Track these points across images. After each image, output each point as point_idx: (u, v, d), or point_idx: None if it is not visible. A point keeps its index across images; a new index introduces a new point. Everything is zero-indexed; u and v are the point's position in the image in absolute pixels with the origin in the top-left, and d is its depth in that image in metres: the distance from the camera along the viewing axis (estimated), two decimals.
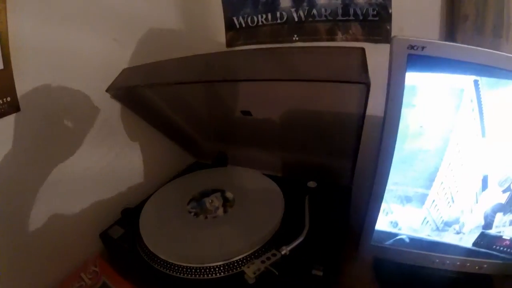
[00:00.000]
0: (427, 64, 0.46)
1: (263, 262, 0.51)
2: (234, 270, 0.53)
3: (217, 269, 0.53)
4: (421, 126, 0.50)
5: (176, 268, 0.55)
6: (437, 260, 0.59)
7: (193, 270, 0.54)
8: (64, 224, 0.65)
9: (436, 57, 0.45)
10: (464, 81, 0.46)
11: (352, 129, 0.52)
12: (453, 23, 0.68)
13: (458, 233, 0.57)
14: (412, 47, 0.45)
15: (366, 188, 0.69)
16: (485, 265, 0.57)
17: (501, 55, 0.44)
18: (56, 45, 0.60)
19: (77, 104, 0.65)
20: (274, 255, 0.52)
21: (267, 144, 0.74)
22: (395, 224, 0.57)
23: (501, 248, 0.56)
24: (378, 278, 0.64)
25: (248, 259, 0.54)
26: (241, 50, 0.76)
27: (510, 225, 0.54)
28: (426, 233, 0.57)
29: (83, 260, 0.65)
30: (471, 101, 0.47)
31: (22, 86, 0.56)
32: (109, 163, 0.72)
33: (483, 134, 0.49)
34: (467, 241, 0.57)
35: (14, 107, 0.57)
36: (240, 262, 0.54)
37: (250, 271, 0.49)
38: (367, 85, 0.41)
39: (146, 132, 0.79)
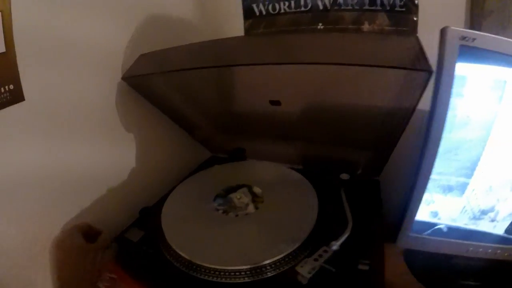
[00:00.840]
0: (476, 56, 0.50)
1: (316, 260, 0.52)
2: (281, 268, 0.54)
3: (264, 269, 0.54)
4: (467, 116, 0.54)
5: (213, 272, 0.54)
6: (471, 248, 0.63)
7: (238, 273, 0.53)
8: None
9: (484, 49, 0.50)
10: (507, 73, 0.51)
11: (397, 120, 0.55)
12: (478, 18, 0.74)
13: (492, 220, 0.62)
14: (463, 38, 0.49)
15: (393, 182, 0.73)
16: None
17: None
18: (63, 28, 0.59)
19: (87, 95, 0.64)
20: (325, 251, 0.53)
21: (288, 136, 0.75)
22: (435, 214, 0.61)
23: None
24: (411, 269, 0.68)
25: (290, 257, 0.55)
26: (273, 35, 0.76)
27: None
28: (463, 222, 0.62)
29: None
30: None
31: (27, 73, 0.54)
32: (120, 159, 0.70)
33: None
34: (500, 228, 0.62)
35: (18, 96, 0.54)
36: (282, 262, 0.54)
37: (305, 271, 0.50)
38: (430, 73, 0.44)
39: (160, 126, 0.78)
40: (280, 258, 0.54)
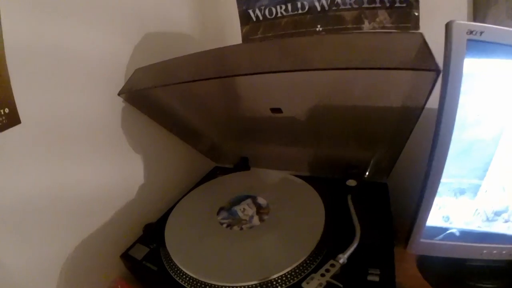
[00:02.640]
0: (485, 50, 0.44)
1: (323, 275, 0.47)
2: (287, 283, 0.49)
3: (270, 284, 0.49)
4: (478, 114, 0.48)
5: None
6: (485, 251, 0.58)
7: None
8: (79, 247, 0.59)
9: (493, 42, 0.45)
10: None
11: (405, 120, 0.50)
12: (482, 8, 0.68)
13: (506, 221, 0.56)
14: (471, 32, 0.43)
15: (402, 184, 0.68)
16: None
17: None
18: (58, 45, 0.54)
19: (85, 113, 0.59)
20: (332, 265, 0.48)
21: (293, 142, 0.70)
22: (447, 218, 0.56)
23: None
24: (423, 274, 0.63)
25: (297, 271, 0.51)
26: (273, 39, 0.71)
27: None
28: (476, 225, 0.56)
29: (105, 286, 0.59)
30: None
31: (21, 94, 0.50)
32: (123, 175, 0.66)
33: None
34: None
35: (14, 119, 0.50)
36: (289, 276, 0.50)
37: (312, 287, 0.45)
38: (438, 73, 0.39)
39: (161, 139, 0.74)
40: (286, 272, 0.49)
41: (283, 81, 0.53)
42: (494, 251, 0.58)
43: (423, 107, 0.45)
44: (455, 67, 0.45)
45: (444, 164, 0.50)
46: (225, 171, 0.78)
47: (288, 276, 0.50)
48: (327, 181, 0.68)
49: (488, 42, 0.44)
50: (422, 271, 0.64)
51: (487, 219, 0.56)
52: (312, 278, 0.47)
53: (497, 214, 0.56)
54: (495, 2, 0.66)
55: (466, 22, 0.44)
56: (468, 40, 0.44)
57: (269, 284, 0.49)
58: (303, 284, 0.46)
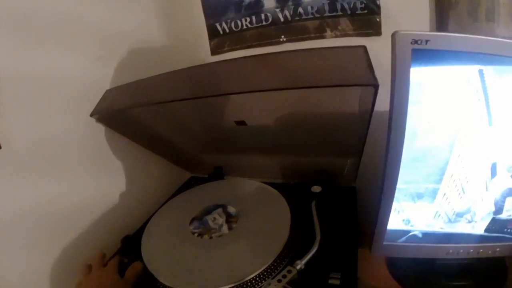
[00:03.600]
0: (431, 58, 0.42)
1: (279, 281, 0.46)
2: None
3: None
4: (428, 122, 0.46)
5: None
6: (451, 251, 0.56)
7: None
8: (60, 261, 0.59)
9: (440, 50, 0.42)
10: (469, 71, 0.43)
11: (357, 129, 0.48)
12: (444, 10, 0.65)
13: (470, 222, 0.54)
14: (415, 42, 0.41)
15: (371, 187, 0.65)
16: (498, 249, 0.55)
17: (505, 42, 0.41)
18: (34, 70, 0.54)
19: (61, 133, 0.58)
20: (289, 271, 0.47)
21: (264, 151, 0.69)
22: (407, 222, 0.54)
23: None
24: (393, 274, 0.61)
25: (261, 276, 0.49)
26: (235, 59, 0.69)
27: None
28: (439, 226, 0.54)
29: None
30: (477, 91, 0.44)
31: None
32: (101, 190, 0.66)
33: (490, 123, 0.46)
34: (479, 228, 0.54)
35: None
36: (253, 282, 0.49)
37: None
38: (375, 87, 0.37)
39: (137, 152, 0.73)
40: (247, 280, 0.48)
41: (240, 99, 0.52)
42: (461, 250, 0.57)
43: (369, 118, 0.43)
44: (401, 77, 0.43)
45: (398, 171, 0.48)
46: (201, 181, 0.76)
47: (249, 284, 0.48)
48: (298, 187, 0.67)
49: (435, 50, 0.42)
50: (392, 272, 0.62)
51: (449, 221, 0.54)
52: (268, 284, 0.46)
53: (459, 215, 0.54)
54: (456, 4, 0.63)
55: (411, 32, 0.41)
56: (413, 49, 0.41)
57: None
58: None
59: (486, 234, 0.55)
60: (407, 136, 0.46)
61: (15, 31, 0.50)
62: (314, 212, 0.57)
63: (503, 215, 0.53)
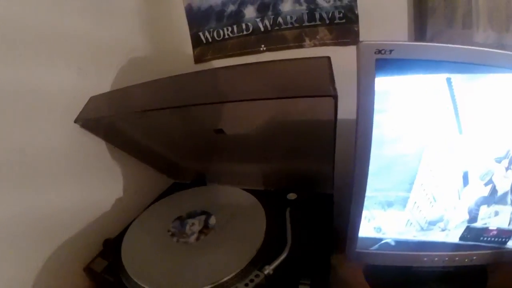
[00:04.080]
0: (397, 67, 0.41)
1: (246, 285, 0.45)
2: None
3: None
4: (396, 131, 0.45)
5: None
6: (426, 259, 0.55)
7: None
8: (46, 264, 0.58)
9: (406, 59, 0.41)
10: (436, 80, 0.41)
11: (326, 138, 0.47)
12: (422, 17, 0.64)
13: (443, 230, 0.53)
14: (379, 52, 0.40)
15: (348, 193, 0.64)
16: (475, 257, 0.54)
17: (472, 50, 0.40)
18: (18, 83, 0.54)
19: (45, 141, 0.58)
20: (257, 276, 0.46)
21: (245, 159, 0.68)
22: (379, 229, 0.52)
23: (489, 239, 0.53)
24: (369, 281, 0.60)
25: (232, 281, 0.49)
26: (206, 70, 0.69)
27: (496, 215, 0.52)
28: (411, 235, 0.53)
29: None
30: (445, 99, 0.43)
31: None
32: (85, 196, 0.65)
33: (460, 131, 0.45)
34: (453, 236, 0.53)
35: None
36: (224, 286, 0.48)
37: None
38: (334, 98, 0.36)
39: (120, 158, 0.72)
40: (218, 284, 0.47)
41: (216, 107, 0.51)
42: (436, 259, 0.55)
43: (334, 127, 0.42)
44: (366, 87, 0.42)
45: (366, 179, 0.47)
46: (183, 187, 0.76)
47: (224, 285, 0.48)
48: (278, 194, 0.66)
49: (399, 59, 0.41)
50: (368, 279, 0.61)
51: (422, 229, 0.53)
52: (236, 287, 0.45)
53: (432, 223, 0.52)
54: (433, 12, 0.62)
55: (374, 42, 0.41)
56: (377, 59, 0.41)
57: None
58: None
59: (461, 242, 0.54)
60: (374, 144, 0.45)
61: None
62: (287, 219, 0.56)
63: (478, 224, 0.52)
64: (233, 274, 0.49)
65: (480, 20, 0.61)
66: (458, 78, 0.41)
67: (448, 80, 0.42)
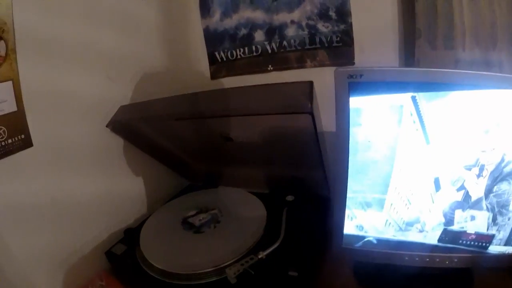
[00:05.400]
0: (367, 88, 0.52)
1: (242, 265, 0.59)
2: (223, 274, 0.60)
3: (208, 274, 0.61)
4: (369, 141, 0.56)
5: (172, 275, 0.63)
6: (407, 258, 0.62)
7: (186, 277, 0.62)
8: (73, 245, 0.73)
9: (374, 81, 0.52)
10: (402, 98, 0.52)
11: (312, 148, 0.60)
12: (411, 41, 0.73)
13: (421, 231, 0.61)
14: (351, 76, 0.52)
15: None
16: (456, 259, 0.61)
17: (431, 71, 0.51)
18: (58, 87, 0.69)
19: (79, 139, 0.73)
20: (251, 258, 0.59)
21: (251, 164, 0.81)
22: (361, 228, 0.63)
23: (468, 242, 0.60)
24: (357, 278, 0.70)
25: (231, 263, 0.62)
26: (216, 90, 0.86)
27: (472, 220, 0.58)
28: (391, 234, 0.62)
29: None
30: (411, 114, 0.53)
31: (33, 124, 0.64)
32: (111, 190, 0.80)
33: (427, 142, 0.54)
34: (431, 238, 0.61)
35: (27, 142, 0.64)
36: (224, 267, 0.61)
37: (231, 272, 0.57)
38: (311, 114, 0.49)
39: (143, 160, 0.87)
40: (221, 266, 0.61)
41: (226, 119, 0.67)
42: (416, 258, 0.63)
43: (316, 139, 0.55)
44: (341, 105, 0.53)
45: (345, 181, 0.58)
46: (196, 189, 0.91)
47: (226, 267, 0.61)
48: (278, 196, 0.80)
49: (369, 82, 0.53)
50: (357, 276, 0.71)
51: (400, 229, 0.62)
52: (234, 266, 0.58)
53: (409, 224, 0.61)
54: (419, 36, 0.72)
55: (347, 69, 0.53)
56: (350, 82, 0.52)
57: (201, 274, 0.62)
58: (226, 269, 0.58)
59: (440, 244, 0.61)
60: (351, 152, 0.57)
61: (40, 54, 0.65)
62: (284, 217, 0.70)
63: (455, 227, 0.59)
64: (233, 260, 0.62)
65: (466, 38, 0.67)
66: (422, 96, 0.51)
67: (413, 98, 0.51)
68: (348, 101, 0.53)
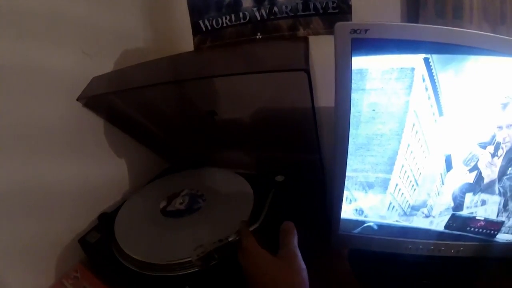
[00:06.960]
0: (373, 47, 0.43)
1: (214, 243, 0.50)
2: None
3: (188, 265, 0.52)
4: (373, 110, 0.47)
5: (147, 266, 0.54)
6: (410, 246, 0.56)
7: (161, 267, 0.53)
8: (45, 236, 0.64)
9: (381, 38, 0.43)
10: (413, 60, 0.43)
11: (308, 121, 0.50)
12: (414, 9, 0.65)
13: (427, 216, 0.54)
14: (355, 31, 0.42)
15: None
16: (462, 248, 0.55)
17: (450, 30, 0.41)
18: (26, 61, 0.60)
19: (48, 118, 0.64)
20: (220, 240, 0.50)
21: (238, 144, 0.72)
22: (360, 212, 0.54)
23: (476, 229, 0.53)
24: (353, 270, 0.61)
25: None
26: (198, 50, 0.75)
27: (482, 205, 0.52)
28: (394, 219, 0.54)
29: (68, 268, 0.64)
30: (423, 80, 0.44)
31: None
32: (84, 172, 0.71)
33: (441, 113, 0.46)
34: (438, 224, 0.54)
35: None
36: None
37: (194, 253, 0.48)
38: (306, 71, 0.39)
39: (119, 139, 0.78)
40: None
41: (208, 87, 0.56)
42: (420, 247, 0.56)
43: (312, 106, 0.45)
44: (342, 66, 0.44)
45: (345, 158, 0.49)
46: (178, 171, 0.81)
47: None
48: (269, 178, 0.69)
49: (376, 39, 0.43)
50: (353, 267, 0.62)
51: (405, 214, 0.54)
52: (200, 246, 0.49)
53: (415, 208, 0.54)
54: (424, 3, 0.63)
55: (349, 22, 0.44)
56: (353, 39, 0.43)
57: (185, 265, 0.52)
58: (192, 250, 0.49)
59: (446, 231, 0.54)
60: (352, 123, 0.47)
61: (6, 25, 0.56)
62: (269, 198, 0.60)
63: (464, 212, 0.53)
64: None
65: (473, 14, 0.61)
66: (436, 59, 0.42)
67: (426, 60, 0.43)
68: (350, 61, 0.44)
